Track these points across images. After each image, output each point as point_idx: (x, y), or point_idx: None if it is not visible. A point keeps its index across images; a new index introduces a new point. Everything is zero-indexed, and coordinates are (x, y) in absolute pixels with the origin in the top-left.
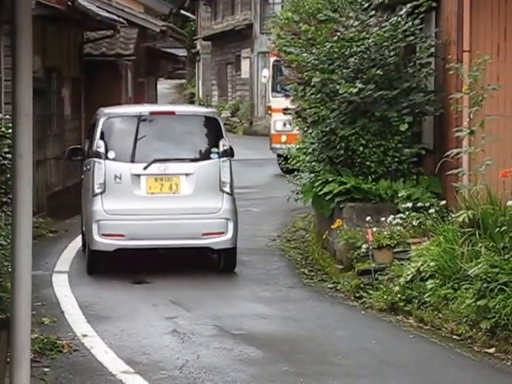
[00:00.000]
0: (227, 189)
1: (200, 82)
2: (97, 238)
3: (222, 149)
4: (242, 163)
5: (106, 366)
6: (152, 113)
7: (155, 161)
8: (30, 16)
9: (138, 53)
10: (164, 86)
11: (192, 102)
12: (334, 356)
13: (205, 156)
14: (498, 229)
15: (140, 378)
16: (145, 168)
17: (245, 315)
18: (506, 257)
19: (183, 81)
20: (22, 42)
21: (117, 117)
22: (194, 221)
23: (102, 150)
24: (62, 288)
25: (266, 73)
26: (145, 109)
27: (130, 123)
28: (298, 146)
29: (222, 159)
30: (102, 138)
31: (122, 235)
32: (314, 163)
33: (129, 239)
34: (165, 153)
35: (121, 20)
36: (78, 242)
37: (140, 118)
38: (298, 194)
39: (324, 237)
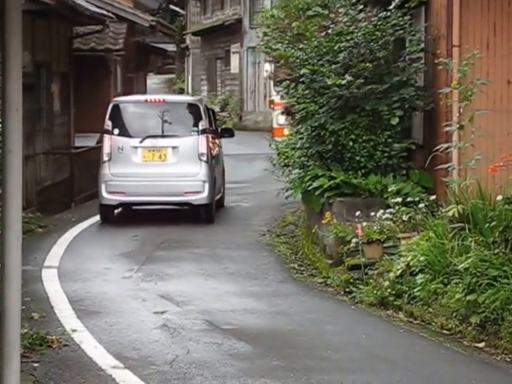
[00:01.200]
0: (204, 158)
1: (189, 77)
2: (105, 194)
3: (200, 128)
4: (233, 158)
5: (96, 361)
6: (147, 100)
7: (149, 136)
8: (19, 11)
9: (128, 48)
10: (153, 80)
11: None
12: (324, 351)
13: (187, 133)
14: (487, 223)
15: (130, 373)
16: (141, 142)
17: (234, 310)
18: (496, 251)
19: (173, 76)
20: (12, 37)
21: (121, 103)
22: (177, 182)
23: (109, 127)
24: (51, 283)
25: (268, 67)
26: (142, 97)
27: (131, 108)
28: (286, 142)
29: (200, 136)
30: (110, 118)
31: (123, 192)
32: (303, 158)
33: (128, 196)
34: (156, 130)
35: (110, 15)
36: (67, 237)
37: (138, 104)
38: (287, 190)
39: (314, 231)
